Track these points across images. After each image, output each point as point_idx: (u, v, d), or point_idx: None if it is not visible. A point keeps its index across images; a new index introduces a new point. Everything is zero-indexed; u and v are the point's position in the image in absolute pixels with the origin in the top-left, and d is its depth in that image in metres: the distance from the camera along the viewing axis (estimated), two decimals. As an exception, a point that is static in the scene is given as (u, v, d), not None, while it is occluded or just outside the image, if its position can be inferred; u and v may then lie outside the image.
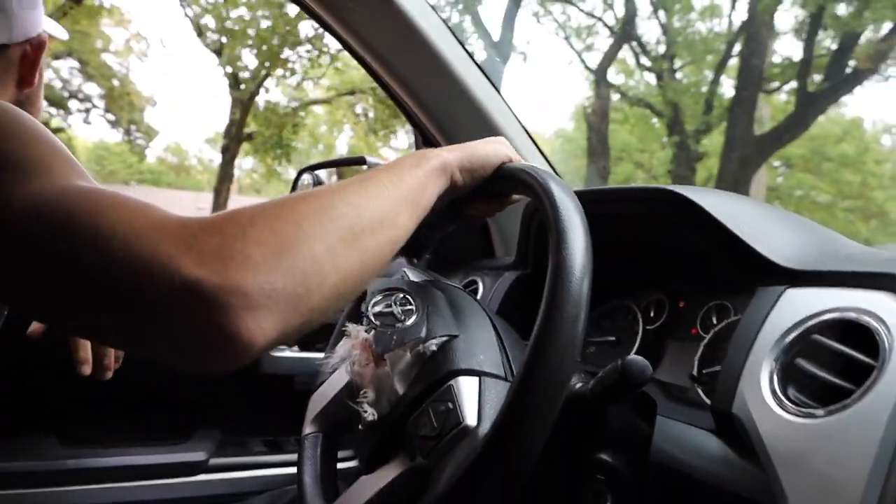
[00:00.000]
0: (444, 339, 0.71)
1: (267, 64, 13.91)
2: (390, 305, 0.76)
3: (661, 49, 16.08)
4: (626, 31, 15.93)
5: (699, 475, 0.67)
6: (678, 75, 15.71)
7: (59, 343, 0.91)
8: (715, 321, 0.91)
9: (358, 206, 0.55)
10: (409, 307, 0.75)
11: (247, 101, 14.12)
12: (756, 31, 12.92)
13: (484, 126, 1.20)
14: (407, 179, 0.62)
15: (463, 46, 1.18)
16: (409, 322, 0.73)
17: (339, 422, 0.82)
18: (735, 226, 0.78)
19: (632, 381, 0.59)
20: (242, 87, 14.04)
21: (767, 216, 0.83)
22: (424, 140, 1.30)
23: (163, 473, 1.23)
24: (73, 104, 15.15)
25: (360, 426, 0.71)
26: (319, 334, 1.19)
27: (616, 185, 1.32)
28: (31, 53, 0.88)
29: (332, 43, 13.34)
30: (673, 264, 0.97)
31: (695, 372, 0.87)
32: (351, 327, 0.77)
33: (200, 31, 13.77)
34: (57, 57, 13.00)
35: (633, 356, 0.60)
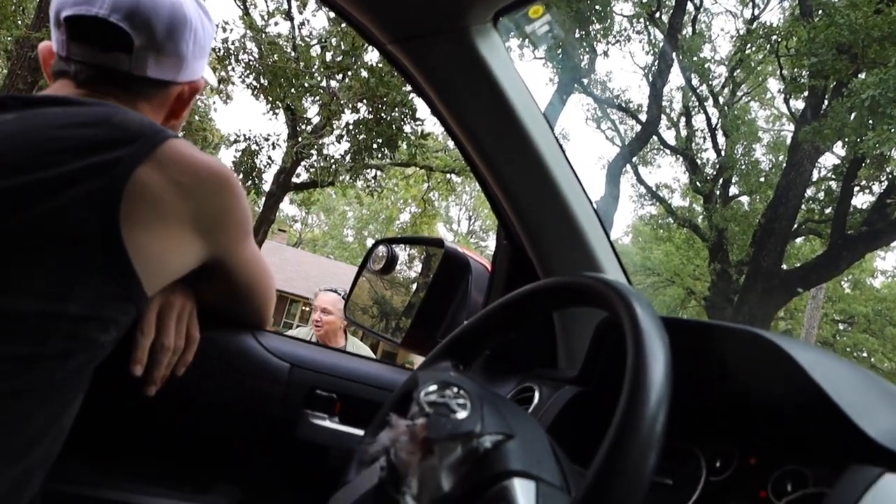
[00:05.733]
0: (500, 437, 0.67)
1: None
2: (444, 396, 0.73)
3: (713, 171, 16.04)
4: (683, 148, 16.00)
5: None
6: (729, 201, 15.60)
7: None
8: (790, 488, 0.83)
9: None
10: (463, 401, 0.72)
11: (298, 154, 14.41)
12: (798, 162, 12.58)
13: (572, 232, 1.18)
14: None
15: (563, 151, 1.17)
16: (463, 415, 0.69)
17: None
18: (835, 392, 0.72)
19: None
20: (300, 139, 14.37)
21: (870, 385, 0.77)
22: (507, 235, 1.28)
23: None
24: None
25: None
26: (364, 411, 1.15)
27: (698, 318, 1.27)
28: (186, 94, 1.06)
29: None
30: (749, 415, 0.91)
31: None
32: (394, 418, 0.73)
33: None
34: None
35: None
